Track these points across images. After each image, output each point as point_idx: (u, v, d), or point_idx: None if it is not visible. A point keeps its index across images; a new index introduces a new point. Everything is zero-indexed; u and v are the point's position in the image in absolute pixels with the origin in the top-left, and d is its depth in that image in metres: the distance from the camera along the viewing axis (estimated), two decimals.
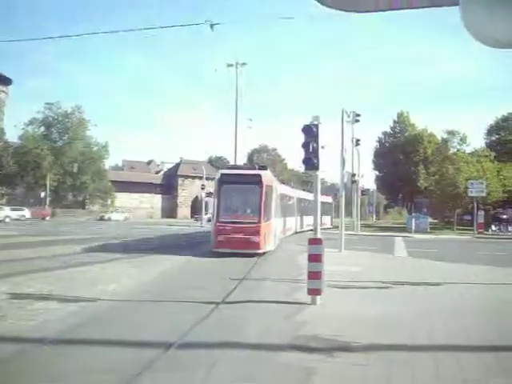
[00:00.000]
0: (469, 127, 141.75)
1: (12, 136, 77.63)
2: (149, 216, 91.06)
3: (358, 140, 40.42)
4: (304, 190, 56.01)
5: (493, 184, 51.03)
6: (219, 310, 9.71)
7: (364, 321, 8.91)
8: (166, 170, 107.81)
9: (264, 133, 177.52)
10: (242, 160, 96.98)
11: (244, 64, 48.39)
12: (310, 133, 11.03)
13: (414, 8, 5.02)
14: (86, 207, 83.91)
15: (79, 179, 78.86)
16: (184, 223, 64.72)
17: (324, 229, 40.03)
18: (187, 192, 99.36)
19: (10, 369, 6.15)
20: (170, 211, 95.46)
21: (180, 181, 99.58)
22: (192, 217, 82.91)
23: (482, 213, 48.55)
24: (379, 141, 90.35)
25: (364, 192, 61.13)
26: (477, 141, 74.01)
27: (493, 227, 51.63)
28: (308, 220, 37.24)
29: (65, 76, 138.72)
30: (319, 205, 11.73)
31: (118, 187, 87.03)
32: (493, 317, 9.76)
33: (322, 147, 11.10)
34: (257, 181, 21.83)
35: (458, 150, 63.96)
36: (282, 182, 54.30)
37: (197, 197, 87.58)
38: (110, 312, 9.64)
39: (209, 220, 67.44)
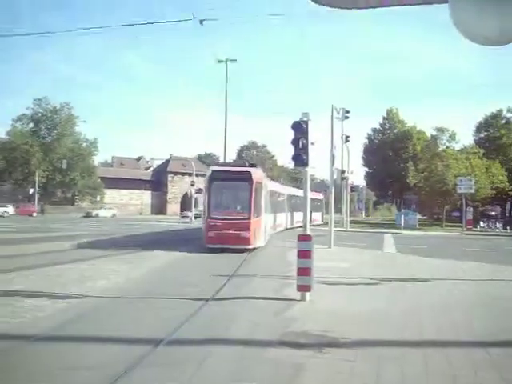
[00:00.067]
0: (458, 124, 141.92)
1: None
2: (138, 212, 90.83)
3: (347, 137, 40.55)
4: (294, 186, 56.15)
5: (481, 181, 51.38)
6: (209, 307, 9.70)
7: (353, 317, 8.93)
8: (155, 166, 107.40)
9: (254, 129, 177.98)
10: (231, 157, 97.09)
11: (234, 60, 48.32)
12: (300, 129, 11.04)
13: (405, 5, 5.04)
14: (76, 204, 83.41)
15: (68, 175, 78.44)
16: (172, 220, 64.50)
17: (314, 225, 40.38)
18: (177, 188, 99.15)
19: None
20: (159, 208, 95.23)
21: (170, 177, 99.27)
22: (181, 213, 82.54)
23: (470, 209, 48.84)
24: (368, 137, 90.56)
25: (353, 188, 61.33)
26: (466, 138, 74.58)
27: (481, 224, 52.00)
28: (299, 216, 37.34)
29: (52, 72, 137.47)
30: (309, 201, 11.74)
31: (108, 184, 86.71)
32: (481, 313, 9.81)
33: (312, 144, 11.12)
34: (247, 178, 22.11)
35: (447, 147, 64.15)
36: (272, 178, 54.39)
37: (186, 193, 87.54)
38: (99, 309, 9.60)
39: (195, 216, 67.79)
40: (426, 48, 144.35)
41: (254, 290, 11.70)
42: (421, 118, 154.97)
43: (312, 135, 11.14)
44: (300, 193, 36.64)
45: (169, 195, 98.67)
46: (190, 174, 68.33)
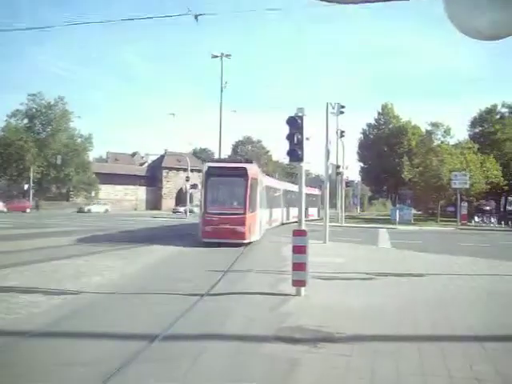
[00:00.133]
0: (453, 119, 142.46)
1: None
2: (133, 208, 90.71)
3: (342, 132, 40.59)
4: (289, 181, 56.22)
5: (476, 176, 51.54)
6: (204, 302, 9.69)
7: (348, 312, 8.95)
8: (150, 161, 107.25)
9: (249, 125, 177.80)
10: (226, 152, 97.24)
11: (229, 56, 48.21)
12: (295, 124, 11.02)
13: (399, 0, 5.02)
14: (70, 199, 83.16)
15: (63, 171, 78.12)
16: (166, 215, 64.40)
17: (311, 220, 40.57)
18: (172, 184, 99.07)
19: None
20: (154, 203, 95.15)
21: (164, 173, 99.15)
22: (173, 209, 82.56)
23: (465, 204, 49.05)
24: (363, 132, 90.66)
25: (348, 184, 61.38)
26: (460, 133, 74.68)
27: (476, 218, 52.19)
28: (294, 211, 37.53)
29: (47, 67, 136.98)
30: (304, 196, 11.73)
31: (102, 179, 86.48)
32: (477, 307, 9.85)
33: (307, 139, 11.10)
34: (242, 173, 22.50)
35: (441, 142, 64.30)
36: (267, 173, 54.46)
37: (181, 189, 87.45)
38: (94, 305, 9.59)
39: (186, 212, 67.87)
40: (421, 43, 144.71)
41: (249, 285, 11.71)
42: (415, 113, 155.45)
43: (307, 130, 11.13)
44: (296, 188, 36.83)
45: (164, 191, 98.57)
46: (185, 170, 68.11)
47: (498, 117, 72.49)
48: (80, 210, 70.70)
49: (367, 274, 13.62)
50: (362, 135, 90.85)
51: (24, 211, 64.46)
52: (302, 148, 10.97)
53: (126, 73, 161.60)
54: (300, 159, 11.13)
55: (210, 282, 11.82)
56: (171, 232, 31.60)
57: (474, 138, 69.04)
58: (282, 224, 37.97)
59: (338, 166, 38.79)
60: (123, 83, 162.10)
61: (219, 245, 20.56)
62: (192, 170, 66.23)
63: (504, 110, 72.82)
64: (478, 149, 57.90)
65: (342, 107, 35.08)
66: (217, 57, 47.56)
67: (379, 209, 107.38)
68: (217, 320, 8.34)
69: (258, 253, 19.91)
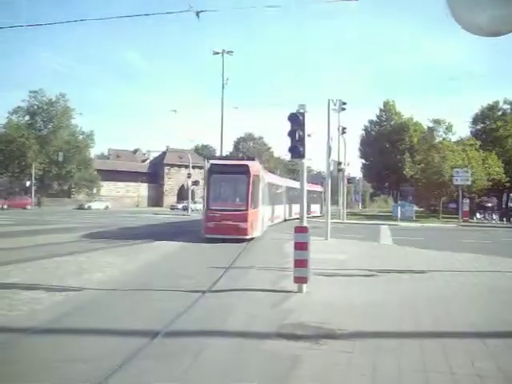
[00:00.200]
0: (454, 116, 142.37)
1: None
2: (135, 205, 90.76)
3: (344, 128, 40.51)
4: (291, 178, 56.22)
5: (478, 172, 51.41)
6: (205, 299, 9.70)
7: (350, 308, 8.95)
8: (152, 158, 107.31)
9: (250, 121, 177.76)
10: (228, 149, 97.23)
11: (230, 52, 48.13)
12: (296, 121, 11.00)
13: None
14: (72, 196, 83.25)
15: (64, 168, 78.21)
16: (167, 212, 64.38)
17: (313, 217, 40.70)
18: (173, 180, 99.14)
19: None
20: (156, 200, 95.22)
21: (166, 169, 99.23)
22: (171, 206, 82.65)
23: (467, 201, 48.98)
24: (365, 129, 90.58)
25: (350, 180, 61.46)
26: (462, 129, 74.63)
27: (478, 215, 52.10)
28: (297, 208, 37.74)
29: (49, 64, 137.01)
30: (305, 193, 11.70)
31: (104, 176, 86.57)
32: (478, 304, 9.84)
33: (309, 135, 11.09)
34: (244, 171, 23.01)
35: (443, 139, 64.26)
36: (270, 170, 54.43)
37: (183, 185, 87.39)
38: (96, 301, 9.60)
39: (184, 209, 68.01)
40: (423, 39, 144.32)
41: (250, 282, 11.71)
42: (417, 110, 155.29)
43: (309, 127, 11.11)
44: (298, 185, 36.91)
45: (165, 187, 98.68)
46: (187, 166, 68.18)
47: (499, 113, 72.35)
48: (80, 207, 70.67)
49: (369, 270, 13.61)
50: (363, 132, 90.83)
51: (24, 208, 64.56)
52: (303, 145, 10.95)
53: (127, 70, 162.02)
54: (301, 156, 11.11)
55: (211, 278, 11.83)
56: (173, 229, 31.56)
57: (475, 134, 68.90)
58: (285, 220, 38.15)
59: (339, 163, 38.73)
60: (125, 80, 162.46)
61: (221, 241, 20.88)
62: (194, 167, 66.22)
63: (506, 106, 72.73)
64: (480, 145, 57.72)
65: (344, 104, 35.04)
66: (218, 53, 47.49)
67: (381, 205, 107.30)
68: (218, 317, 8.34)
69: (259, 249, 19.91)
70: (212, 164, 24.40)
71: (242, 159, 26.63)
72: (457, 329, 7.60)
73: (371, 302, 9.48)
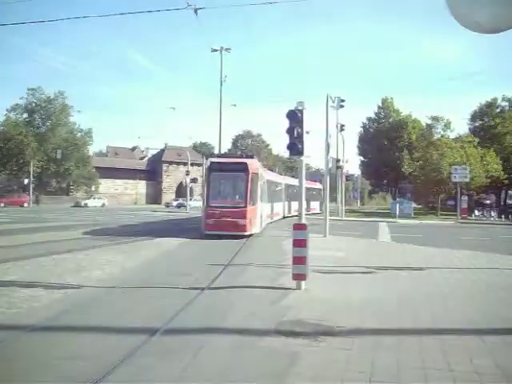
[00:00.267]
0: (453, 113, 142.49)
1: None
2: (133, 202, 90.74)
3: (342, 125, 40.52)
4: (289, 175, 56.28)
5: (476, 169, 51.50)
6: (204, 296, 9.71)
7: (348, 305, 8.96)
8: (150, 156, 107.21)
9: (248, 118, 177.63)
10: (226, 146, 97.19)
11: (228, 49, 48.05)
12: (295, 118, 11.00)
13: None
14: (70, 194, 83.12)
15: (63, 165, 78.02)
16: (166, 210, 64.33)
17: (313, 214, 40.80)
18: (172, 178, 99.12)
19: None
20: (154, 197, 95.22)
21: (164, 167, 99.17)
22: (166, 203, 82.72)
23: (465, 198, 49.05)
24: (363, 126, 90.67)
25: (349, 177, 61.39)
26: (461, 126, 74.73)
27: (476, 212, 52.21)
28: (296, 205, 37.94)
29: (47, 61, 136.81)
30: (304, 190, 11.72)
31: (103, 173, 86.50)
32: (477, 301, 9.85)
33: (307, 132, 11.09)
34: (243, 168, 23.44)
35: (442, 136, 64.30)
36: (269, 168, 54.46)
37: (181, 183, 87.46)
38: (95, 299, 9.59)
39: (178, 206, 68.12)
40: (421, 36, 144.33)
41: (249, 279, 11.72)
42: (415, 107, 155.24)
43: (307, 124, 11.11)
44: (297, 182, 37.06)
45: (164, 185, 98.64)
46: (185, 164, 68.04)
47: (498, 110, 72.48)
48: (76, 205, 70.40)
49: (367, 267, 13.63)
50: (362, 129, 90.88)
51: (21, 205, 64.47)
52: (302, 142, 10.95)
53: (126, 67, 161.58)
54: (300, 153, 11.11)
55: (210, 275, 11.85)
56: (171, 226, 31.54)
57: (474, 131, 69.07)
58: (284, 217, 38.41)
59: (338, 160, 38.76)
60: (124, 77, 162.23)
61: (220, 237, 21.07)
62: (192, 164, 66.23)
63: (504, 103, 72.92)
64: (478, 142, 57.84)
65: (342, 101, 35.03)
66: (216, 51, 47.40)
67: (379, 202, 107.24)
68: (217, 314, 8.35)
69: (258, 246, 19.92)
70: (211, 162, 24.92)
71: (241, 157, 27.21)
72: (455, 326, 7.60)
73: (370, 299, 9.49)
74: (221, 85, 48.48)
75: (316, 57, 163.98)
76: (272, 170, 52.93)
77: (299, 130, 10.93)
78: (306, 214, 12.20)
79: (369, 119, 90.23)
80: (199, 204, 67.86)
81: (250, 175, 23.40)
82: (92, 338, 6.95)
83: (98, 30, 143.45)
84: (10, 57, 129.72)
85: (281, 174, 55.43)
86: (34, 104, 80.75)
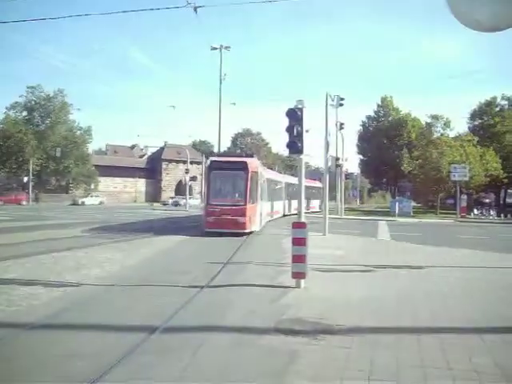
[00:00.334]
0: (453, 111, 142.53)
1: None
2: (133, 200, 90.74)
3: (341, 124, 40.53)
4: (289, 174, 56.31)
5: (476, 168, 51.47)
6: (204, 294, 9.71)
7: (348, 304, 8.97)
8: (149, 154, 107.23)
9: (248, 117, 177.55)
10: (226, 144, 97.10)
11: (228, 48, 48.02)
12: (294, 116, 11.00)
13: None
14: (70, 192, 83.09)
15: (62, 163, 78.06)
16: (164, 208, 64.24)
17: (313, 212, 40.91)
18: (171, 176, 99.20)
19: None
20: (153, 195, 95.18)
21: (164, 165, 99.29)
22: (163, 201, 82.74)
23: (464, 197, 49.03)
24: (363, 125, 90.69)
25: (348, 176, 61.46)
26: (460, 125, 74.75)
27: (475, 211, 52.19)
28: (296, 204, 38.20)
29: (47, 59, 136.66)
30: (303, 188, 11.73)
31: (102, 171, 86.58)
32: (476, 299, 9.85)
33: (307, 131, 11.08)
34: (243, 167, 23.83)
35: (441, 135, 64.30)
36: (269, 166, 54.47)
37: (181, 181, 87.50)
38: (94, 297, 9.59)
39: (174, 204, 68.18)
40: (421, 35, 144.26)
41: (248, 278, 11.72)
42: (415, 105, 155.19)
43: (307, 122, 11.11)
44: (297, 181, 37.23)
45: (163, 183, 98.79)
46: (185, 162, 68.14)
47: (497, 109, 72.40)
48: (74, 203, 70.12)
49: (366, 266, 13.63)
50: (361, 127, 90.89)
51: (19, 204, 64.40)
52: (301, 140, 10.95)
53: (126, 65, 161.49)
54: (300, 151, 11.11)
55: (209, 273, 11.85)
56: (171, 224, 31.52)
57: (473, 130, 69.00)
58: (284, 216, 38.64)
59: (337, 159, 38.73)
60: (124, 75, 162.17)
61: (220, 235, 21.41)
62: (191, 163, 66.26)
63: (503, 102, 72.78)
64: (478, 141, 57.76)
65: (342, 99, 35.07)
66: (216, 49, 47.35)
67: (378, 201, 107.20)
68: (217, 312, 8.35)
69: (257, 245, 19.93)
70: (212, 161, 25.39)
71: (241, 156, 27.63)
72: (454, 324, 7.60)
73: (369, 298, 9.50)
74: (220, 83, 48.47)
75: (316, 56, 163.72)
76: (271, 169, 52.95)
77: (299, 129, 10.93)
78: (306, 213, 12.21)
79: (368, 118, 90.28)
80: (197, 202, 68.11)
81: (249, 174, 23.71)
82: (91, 336, 6.95)
83: (98, 28, 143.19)
84: (10, 54, 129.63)
85: (280, 173, 55.48)
86: (33, 102, 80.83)
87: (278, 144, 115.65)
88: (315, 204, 50.70)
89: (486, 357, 6.00)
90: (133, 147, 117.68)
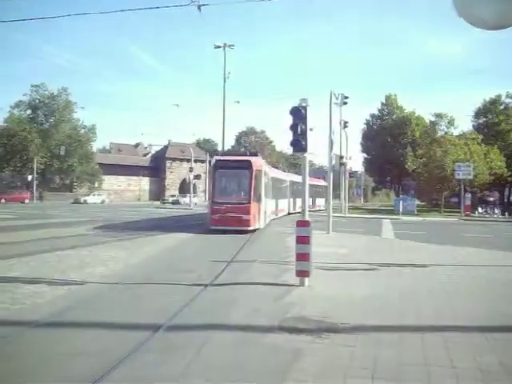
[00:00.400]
0: (457, 110, 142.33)
1: None
2: (137, 198, 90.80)
3: (345, 122, 40.46)
4: (293, 172, 56.33)
5: (480, 167, 51.32)
6: (208, 292, 9.72)
7: (352, 302, 8.97)
8: (153, 152, 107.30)
9: (252, 115, 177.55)
10: (230, 142, 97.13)
11: (232, 46, 48.03)
12: (298, 115, 10.98)
13: None
14: (74, 190, 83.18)
15: (66, 162, 78.18)
16: (169, 206, 64.27)
17: (318, 211, 40.97)
18: (175, 174, 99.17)
19: None
20: (157, 194, 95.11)
21: (168, 163, 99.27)
22: (162, 199, 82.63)
23: (468, 195, 48.91)
24: (367, 123, 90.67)
25: (352, 174, 61.40)
26: (464, 123, 74.62)
27: (479, 209, 51.99)
28: (301, 202, 38.29)
29: (51, 58, 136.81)
30: (307, 187, 11.73)
31: (106, 170, 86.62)
32: (480, 298, 9.84)
33: (311, 129, 11.08)
34: (247, 166, 24.10)
35: (445, 133, 64.20)
36: (273, 165, 54.49)
37: (185, 179, 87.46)
38: (99, 295, 9.61)
39: (174, 202, 68.22)
40: (427, 33, 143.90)
41: (253, 276, 11.71)
42: (420, 104, 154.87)
43: (310, 121, 11.10)
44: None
45: (167, 181, 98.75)
46: (189, 160, 68.12)
47: (502, 107, 72.22)
48: (76, 201, 69.94)
49: (370, 264, 13.62)
50: (365, 126, 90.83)
51: (22, 202, 64.60)
52: (305, 138, 10.93)
53: (130, 64, 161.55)
54: (304, 150, 11.10)
55: (213, 272, 11.85)
56: (175, 222, 31.56)
57: (477, 128, 68.84)
58: (289, 214, 38.79)
59: (341, 157, 38.73)
60: (128, 74, 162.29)
61: (225, 232, 21.74)
62: (195, 161, 66.21)
63: (508, 100, 72.57)
64: (482, 139, 57.61)
65: (346, 98, 35.05)
66: (219, 47, 47.39)
67: (382, 199, 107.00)
68: (221, 310, 8.36)
69: (262, 243, 19.96)
70: (217, 160, 25.75)
71: (245, 155, 27.74)
72: (458, 323, 7.59)
73: (373, 296, 9.49)
74: (224, 81, 48.55)
75: (320, 55, 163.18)
76: (276, 167, 52.94)
77: (303, 127, 10.91)
78: (311, 211, 12.20)
79: (372, 116, 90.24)
80: (200, 201, 68.16)
81: (253, 172, 23.95)
82: (95, 333, 6.97)
83: (102, 27, 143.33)
84: (14, 54, 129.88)
85: (284, 171, 55.49)
86: (37, 100, 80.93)
87: (282, 142, 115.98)
88: (320, 203, 50.68)
89: (490, 355, 5.99)
90: (137, 146, 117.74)
